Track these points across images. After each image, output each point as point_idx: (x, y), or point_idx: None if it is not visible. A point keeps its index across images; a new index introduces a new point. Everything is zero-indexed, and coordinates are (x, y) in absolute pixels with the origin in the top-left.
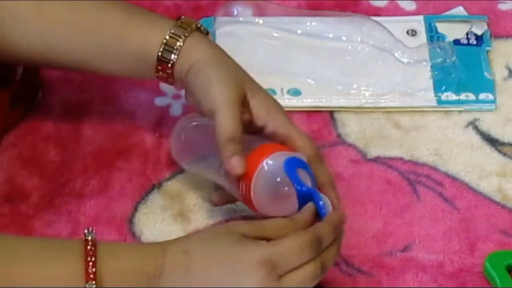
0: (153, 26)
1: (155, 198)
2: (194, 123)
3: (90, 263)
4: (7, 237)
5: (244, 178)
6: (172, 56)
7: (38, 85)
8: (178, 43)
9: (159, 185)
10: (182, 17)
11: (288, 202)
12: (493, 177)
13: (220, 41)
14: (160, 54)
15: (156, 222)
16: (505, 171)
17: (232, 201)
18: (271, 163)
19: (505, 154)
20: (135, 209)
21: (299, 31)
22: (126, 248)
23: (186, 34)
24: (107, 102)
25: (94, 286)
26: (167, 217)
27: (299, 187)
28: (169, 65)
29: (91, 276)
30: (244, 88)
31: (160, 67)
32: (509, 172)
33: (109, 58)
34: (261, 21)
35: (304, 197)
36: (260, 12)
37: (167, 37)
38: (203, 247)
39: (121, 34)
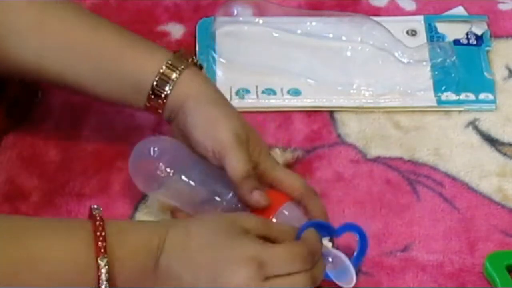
0: (150, 55)
1: (155, 198)
2: (160, 147)
3: (101, 238)
4: (16, 216)
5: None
6: (167, 87)
7: (38, 85)
8: (174, 75)
9: None
10: (180, 49)
11: None
12: (493, 177)
13: (220, 41)
14: (155, 83)
15: None
16: (505, 171)
17: None
18: (286, 213)
19: (505, 154)
20: (135, 209)
21: (299, 31)
22: (133, 225)
23: (183, 67)
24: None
25: (105, 260)
26: (167, 217)
27: None
28: (163, 95)
29: (102, 250)
30: (247, 128)
31: (153, 97)
32: (509, 172)
33: (102, 82)
34: (261, 21)
35: None
36: (260, 12)
37: (164, 67)
38: (204, 231)
39: (117, 60)
